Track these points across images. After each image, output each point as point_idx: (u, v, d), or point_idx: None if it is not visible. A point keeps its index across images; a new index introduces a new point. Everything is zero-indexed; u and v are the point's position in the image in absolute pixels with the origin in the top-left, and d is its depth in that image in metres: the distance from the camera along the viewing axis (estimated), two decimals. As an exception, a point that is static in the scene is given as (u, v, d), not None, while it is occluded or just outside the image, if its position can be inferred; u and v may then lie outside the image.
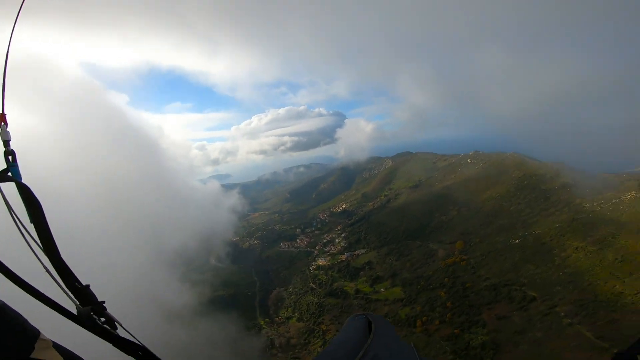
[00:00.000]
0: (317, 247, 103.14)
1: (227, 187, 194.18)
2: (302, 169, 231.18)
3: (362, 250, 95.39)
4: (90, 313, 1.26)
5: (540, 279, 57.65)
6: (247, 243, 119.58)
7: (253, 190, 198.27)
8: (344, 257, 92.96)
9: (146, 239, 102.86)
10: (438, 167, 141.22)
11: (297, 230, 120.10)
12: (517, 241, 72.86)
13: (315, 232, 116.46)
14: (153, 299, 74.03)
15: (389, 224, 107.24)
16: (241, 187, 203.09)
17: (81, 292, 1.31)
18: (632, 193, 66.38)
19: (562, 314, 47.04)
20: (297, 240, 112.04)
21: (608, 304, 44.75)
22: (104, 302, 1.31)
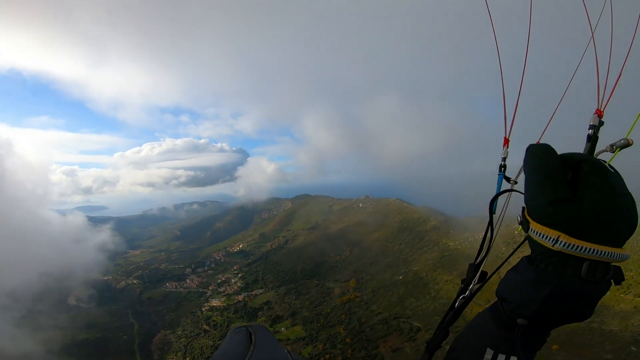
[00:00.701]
0: (210, 288, 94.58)
1: (99, 221, 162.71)
2: (195, 206, 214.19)
3: (260, 290, 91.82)
4: None
5: (421, 311, 65.29)
6: (123, 282, 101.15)
7: (135, 226, 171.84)
8: (240, 297, 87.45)
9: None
10: (334, 210, 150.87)
11: (187, 270, 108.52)
12: (400, 277, 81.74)
13: (209, 272, 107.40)
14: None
15: (287, 264, 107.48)
16: (119, 221, 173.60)
17: None
18: (482, 233, 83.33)
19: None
20: (187, 280, 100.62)
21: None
22: None
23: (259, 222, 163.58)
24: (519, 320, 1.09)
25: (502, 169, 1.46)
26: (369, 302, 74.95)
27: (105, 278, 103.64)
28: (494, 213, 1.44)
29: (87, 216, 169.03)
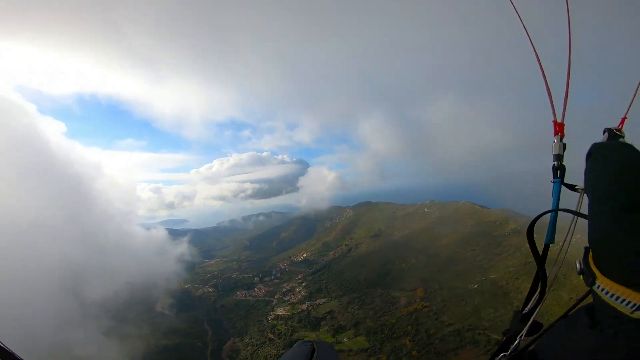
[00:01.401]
0: (276, 297, 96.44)
1: (180, 234, 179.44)
2: (261, 218, 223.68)
3: (323, 300, 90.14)
4: None
5: (501, 322, 57.07)
6: (200, 291, 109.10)
7: (211, 237, 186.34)
8: (304, 306, 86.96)
9: (65, 289, 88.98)
10: (397, 216, 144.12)
11: (256, 278, 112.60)
12: (475, 286, 73.20)
13: (275, 281, 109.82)
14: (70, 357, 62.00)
15: (350, 273, 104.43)
16: (198, 233, 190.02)
17: None
18: (578, 236, 70.10)
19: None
20: (255, 289, 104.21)
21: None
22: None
23: (321, 231, 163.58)
24: None
25: (558, 172, 1.14)
26: (438, 312, 68.08)
27: (186, 286, 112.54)
28: (552, 243, 1.07)
29: (169, 229, 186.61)
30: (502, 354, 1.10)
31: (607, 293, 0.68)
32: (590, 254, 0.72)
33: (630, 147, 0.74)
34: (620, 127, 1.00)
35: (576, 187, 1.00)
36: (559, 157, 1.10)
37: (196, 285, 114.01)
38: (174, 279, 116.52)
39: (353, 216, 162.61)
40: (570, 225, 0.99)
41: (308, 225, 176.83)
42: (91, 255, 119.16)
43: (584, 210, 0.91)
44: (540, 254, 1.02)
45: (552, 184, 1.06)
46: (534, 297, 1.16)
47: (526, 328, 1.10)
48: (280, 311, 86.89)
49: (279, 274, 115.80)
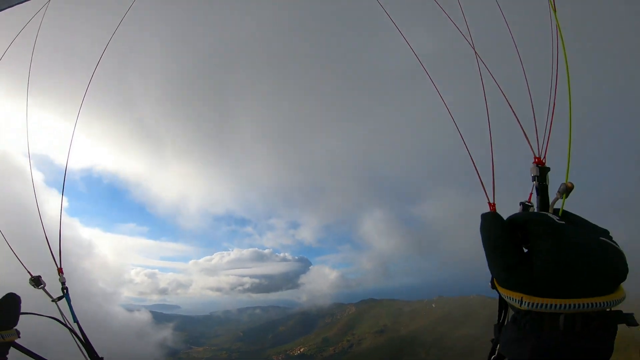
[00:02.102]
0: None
1: (168, 318, 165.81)
2: (258, 311, 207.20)
3: (321, 394, 79.10)
4: None
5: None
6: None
7: (202, 325, 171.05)
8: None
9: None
10: (403, 312, 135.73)
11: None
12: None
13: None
14: None
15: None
16: (188, 319, 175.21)
17: None
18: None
19: None
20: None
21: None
22: None
23: (322, 327, 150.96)
24: None
25: None
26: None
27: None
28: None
29: (157, 312, 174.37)
30: (492, 357, 1.43)
31: (504, 296, 1.08)
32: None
33: (491, 213, 1.16)
34: (529, 199, 1.40)
35: None
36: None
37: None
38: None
39: (355, 312, 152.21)
40: None
41: (307, 320, 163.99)
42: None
43: None
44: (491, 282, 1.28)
45: None
46: (503, 310, 1.50)
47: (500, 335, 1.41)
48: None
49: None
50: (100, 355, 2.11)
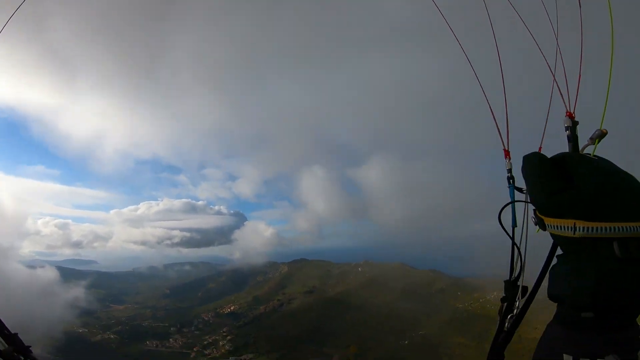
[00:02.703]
0: (195, 349, 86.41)
1: (81, 275, 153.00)
2: (187, 267, 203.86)
3: (251, 355, 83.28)
4: (14, 353, 1.61)
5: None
6: (100, 337, 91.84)
7: (122, 282, 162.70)
8: (228, 361, 79.33)
9: None
10: (332, 274, 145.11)
11: (172, 329, 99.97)
12: (406, 342, 75.05)
13: (195, 332, 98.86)
14: None
15: (282, 328, 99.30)
16: (106, 276, 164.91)
17: (8, 338, 1.71)
18: (495, 293, 78.81)
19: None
20: (170, 339, 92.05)
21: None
22: (30, 346, 1.66)
23: (253, 285, 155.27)
24: (584, 314, 1.01)
25: (511, 180, 1.63)
26: (372, 370, 67.23)
27: (80, 331, 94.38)
28: (515, 226, 1.49)
29: (69, 269, 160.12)
30: (509, 316, 1.45)
31: (554, 227, 1.06)
32: (536, 211, 1.15)
33: (533, 153, 1.24)
34: (540, 149, 1.58)
35: (522, 189, 1.48)
36: (509, 171, 1.63)
37: (94, 330, 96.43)
38: (65, 321, 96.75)
39: (288, 272, 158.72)
40: (525, 209, 1.42)
41: (239, 278, 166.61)
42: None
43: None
44: (511, 234, 1.45)
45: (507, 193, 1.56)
46: (515, 265, 1.50)
47: (520, 291, 1.43)
48: (200, 365, 78.26)
49: (200, 326, 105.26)
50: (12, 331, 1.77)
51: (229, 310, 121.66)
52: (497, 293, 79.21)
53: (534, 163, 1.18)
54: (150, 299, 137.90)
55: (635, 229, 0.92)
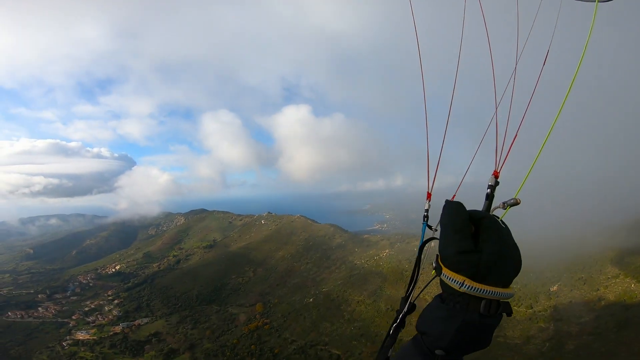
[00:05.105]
0: (74, 317, 75.72)
1: None
2: (54, 221, 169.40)
3: (145, 320, 76.98)
4: None
5: (338, 335, 63.60)
6: None
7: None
8: (117, 328, 71.71)
9: None
10: (234, 226, 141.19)
11: (41, 295, 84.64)
12: (311, 300, 79.09)
13: (72, 298, 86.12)
14: None
15: (180, 288, 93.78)
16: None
17: None
18: (387, 251, 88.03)
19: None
20: (39, 308, 78.25)
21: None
22: None
23: (143, 240, 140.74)
24: (438, 352, 1.37)
25: (426, 218, 1.86)
26: (280, 328, 69.80)
27: None
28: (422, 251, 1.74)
29: None
30: (394, 325, 1.67)
31: (447, 278, 1.30)
32: (439, 258, 1.34)
33: (457, 203, 1.36)
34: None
35: (432, 227, 1.67)
36: (426, 211, 1.83)
37: None
38: None
39: (185, 224, 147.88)
40: (428, 245, 1.63)
41: (125, 232, 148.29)
42: None
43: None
44: (416, 260, 1.65)
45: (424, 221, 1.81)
46: (411, 286, 1.69)
47: (406, 307, 1.66)
48: (81, 335, 69.54)
49: (78, 290, 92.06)
50: None
51: (113, 270, 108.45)
52: (389, 250, 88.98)
53: (453, 216, 1.35)
54: (8, 263, 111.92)
55: (501, 294, 1.27)
